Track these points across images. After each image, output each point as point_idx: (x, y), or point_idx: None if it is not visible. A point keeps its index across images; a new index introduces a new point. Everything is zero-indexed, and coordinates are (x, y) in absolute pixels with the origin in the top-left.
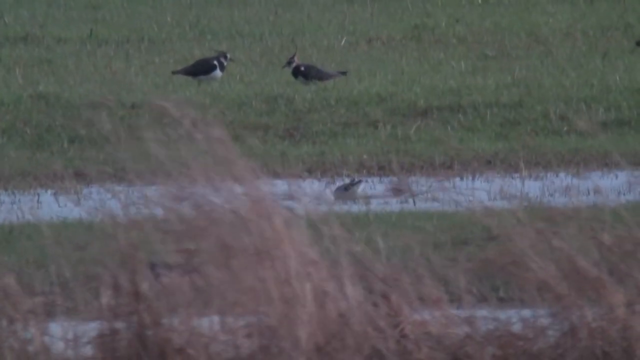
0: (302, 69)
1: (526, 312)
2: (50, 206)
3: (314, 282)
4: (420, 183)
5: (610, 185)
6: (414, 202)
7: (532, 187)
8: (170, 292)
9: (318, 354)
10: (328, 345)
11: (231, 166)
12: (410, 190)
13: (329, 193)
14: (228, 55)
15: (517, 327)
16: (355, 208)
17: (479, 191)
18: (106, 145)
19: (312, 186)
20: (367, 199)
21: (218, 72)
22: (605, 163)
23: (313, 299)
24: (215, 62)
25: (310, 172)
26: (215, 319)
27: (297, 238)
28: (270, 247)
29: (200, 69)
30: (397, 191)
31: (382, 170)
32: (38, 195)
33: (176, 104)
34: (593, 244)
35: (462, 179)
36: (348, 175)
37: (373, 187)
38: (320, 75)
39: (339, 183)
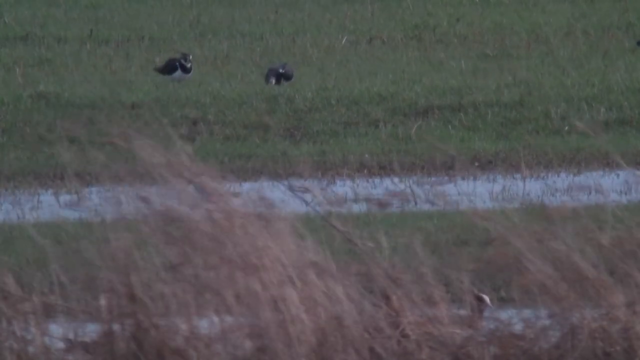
0: (282, 71)
1: (527, 313)
2: (51, 206)
3: (301, 287)
4: (421, 184)
5: (611, 185)
6: (415, 202)
7: (533, 186)
8: (166, 294)
9: (315, 356)
10: (323, 347)
11: (200, 182)
12: (412, 196)
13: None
14: (189, 57)
15: (518, 328)
16: (356, 208)
17: (480, 191)
18: (106, 146)
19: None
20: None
21: (179, 73)
22: (607, 162)
23: (302, 303)
24: (177, 64)
25: (310, 171)
26: (213, 320)
27: (278, 245)
28: (250, 256)
29: (165, 69)
30: (379, 204)
31: (382, 169)
32: (38, 195)
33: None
34: (593, 244)
35: (463, 179)
36: (349, 175)
37: (374, 187)
38: (292, 72)
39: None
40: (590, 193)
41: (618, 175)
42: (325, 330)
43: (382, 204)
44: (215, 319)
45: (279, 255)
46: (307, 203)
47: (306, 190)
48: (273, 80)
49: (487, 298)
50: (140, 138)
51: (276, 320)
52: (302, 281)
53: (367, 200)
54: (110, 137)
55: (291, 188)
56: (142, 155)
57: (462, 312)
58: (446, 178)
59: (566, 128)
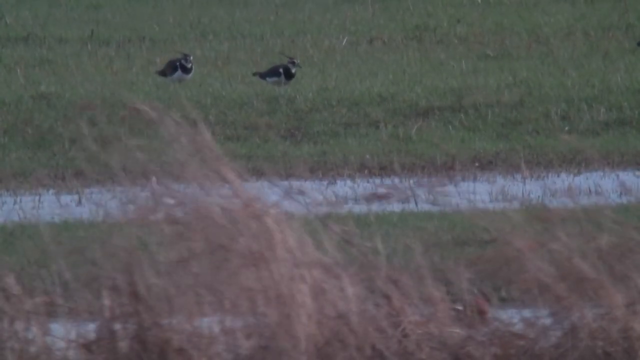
0: (281, 70)
1: (527, 312)
2: (52, 206)
3: (310, 283)
4: (421, 184)
5: (611, 186)
6: (416, 202)
7: (533, 187)
8: (169, 292)
9: (318, 354)
10: (328, 345)
11: (219, 168)
12: (413, 197)
13: None
14: (189, 57)
15: (518, 327)
16: (357, 208)
17: (480, 192)
18: (107, 146)
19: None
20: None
21: (179, 74)
22: (607, 163)
23: (310, 300)
24: (178, 64)
25: (311, 172)
26: (215, 319)
27: (290, 239)
28: (263, 248)
29: (166, 70)
30: (375, 196)
31: (383, 170)
32: (39, 195)
33: (153, 106)
34: (592, 245)
35: (463, 179)
36: (349, 176)
37: (374, 187)
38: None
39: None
40: (590, 194)
41: (618, 176)
42: (329, 328)
43: (380, 197)
44: (219, 317)
45: (287, 251)
46: (304, 205)
47: (302, 192)
48: (281, 70)
49: (488, 303)
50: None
51: (281, 318)
52: (308, 279)
53: (366, 196)
54: (134, 107)
55: (287, 191)
56: (165, 132)
57: (461, 309)
58: (446, 178)
59: (566, 129)
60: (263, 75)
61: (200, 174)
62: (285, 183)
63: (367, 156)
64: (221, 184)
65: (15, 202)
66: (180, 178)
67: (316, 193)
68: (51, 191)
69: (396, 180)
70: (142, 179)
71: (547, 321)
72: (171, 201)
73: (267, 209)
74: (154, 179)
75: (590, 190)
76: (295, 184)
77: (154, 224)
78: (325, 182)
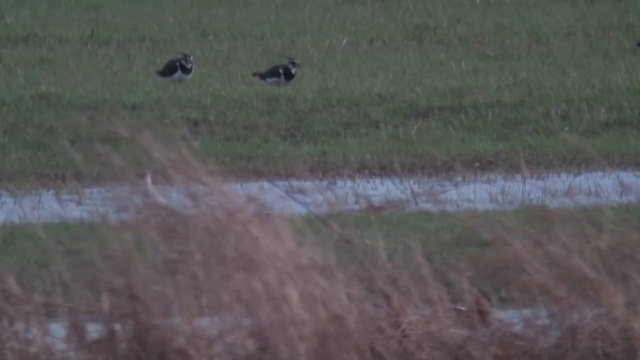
0: (280, 70)
1: (527, 312)
2: (52, 206)
3: (301, 286)
4: (421, 184)
5: (611, 186)
6: (416, 202)
7: (533, 187)
8: (167, 294)
9: (317, 355)
10: (324, 346)
11: (201, 178)
12: (413, 197)
13: None
14: (189, 57)
15: (518, 327)
16: (357, 208)
17: (480, 192)
18: (106, 146)
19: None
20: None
21: (179, 74)
22: (607, 163)
23: (302, 303)
24: (178, 64)
25: (311, 172)
26: (214, 320)
27: (280, 243)
28: (250, 254)
29: (166, 70)
30: (372, 209)
31: (383, 170)
32: (39, 195)
33: (130, 128)
34: (592, 245)
35: (463, 179)
36: (349, 176)
37: (374, 187)
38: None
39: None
40: (590, 194)
41: (618, 176)
42: (326, 329)
43: (378, 209)
44: (216, 318)
45: (279, 254)
46: (304, 205)
47: (302, 192)
48: (281, 71)
49: (489, 303)
50: (144, 132)
51: (277, 320)
52: (302, 280)
53: (365, 204)
54: (113, 129)
55: (287, 191)
56: (145, 147)
57: (463, 310)
58: (446, 179)
59: (567, 129)
60: (263, 76)
61: (184, 183)
62: (285, 183)
63: (367, 156)
64: (206, 192)
65: (15, 202)
66: (167, 185)
67: (316, 193)
68: (51, 191)
69: (396, 180)
70: (138, 180)
71: (547, 321)
72: (158, 211)
73: (251, 216)
74: (148, 177)
75: (590, 191)
76: (295, 184)
77: (149, 228)
78: (325, 182)
